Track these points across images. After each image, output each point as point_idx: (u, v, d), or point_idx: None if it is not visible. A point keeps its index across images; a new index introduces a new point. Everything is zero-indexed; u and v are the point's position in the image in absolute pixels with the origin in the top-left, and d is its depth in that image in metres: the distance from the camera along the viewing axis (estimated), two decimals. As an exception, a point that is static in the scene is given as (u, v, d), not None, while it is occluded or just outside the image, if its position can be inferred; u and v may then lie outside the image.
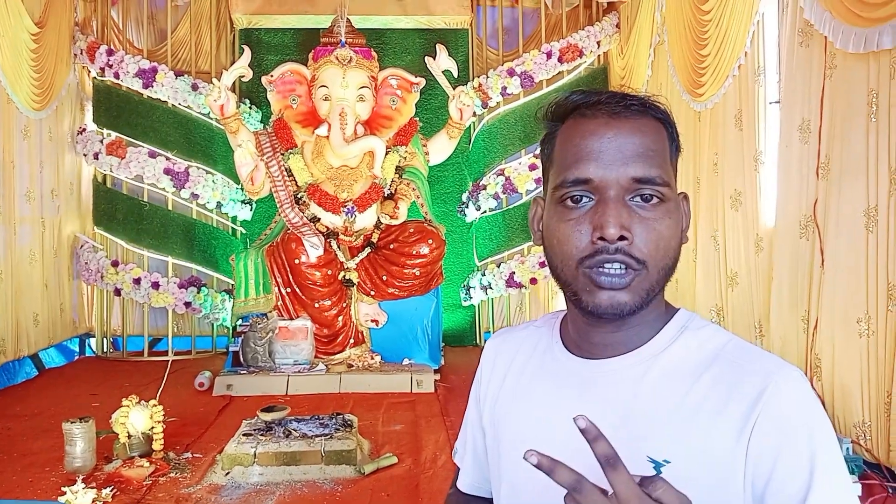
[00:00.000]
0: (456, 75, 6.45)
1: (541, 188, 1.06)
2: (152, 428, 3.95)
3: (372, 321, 6.17)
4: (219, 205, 6.99)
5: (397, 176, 6.37)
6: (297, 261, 5.92)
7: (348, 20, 6.38)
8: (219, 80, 6.04)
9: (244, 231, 7.31)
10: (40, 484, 3.64)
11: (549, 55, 7.03)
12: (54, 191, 6.78)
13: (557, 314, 1.07)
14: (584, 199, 0.89)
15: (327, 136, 6.13)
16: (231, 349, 6.01)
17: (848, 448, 3.55)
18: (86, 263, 6.96)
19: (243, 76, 6.25)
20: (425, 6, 7.25)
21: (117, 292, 6.90)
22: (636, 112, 0.91)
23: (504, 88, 7.06)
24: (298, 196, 6.21)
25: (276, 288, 6.00)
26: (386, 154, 6.26)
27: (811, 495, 0.81)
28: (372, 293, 6.16)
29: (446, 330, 6.94)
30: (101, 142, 6.87)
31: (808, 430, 0.84)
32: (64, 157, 6.99)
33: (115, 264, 6.86)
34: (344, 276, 6.08)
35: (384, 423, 4.77)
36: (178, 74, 6.82)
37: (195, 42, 7.26)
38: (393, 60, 7.01)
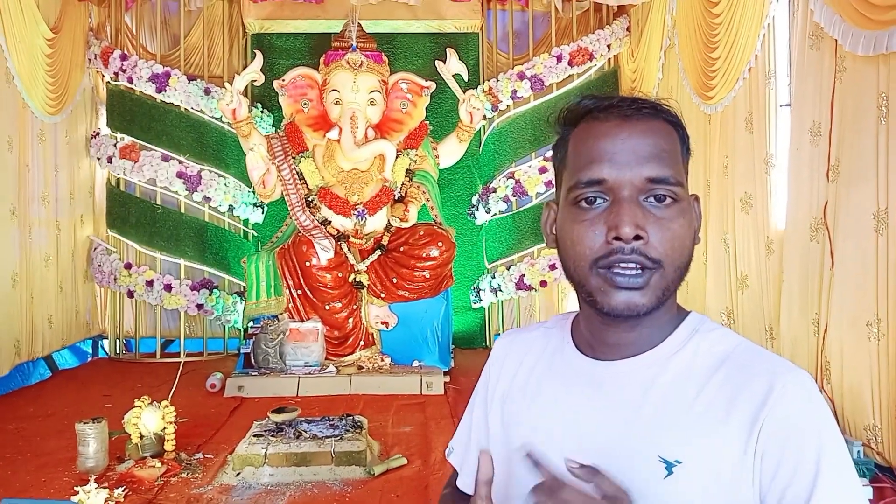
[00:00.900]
0: (466, 79, 6.45)
1: (550, 191, 1.07)
2: (164, 429, 3.98)
3: (382, 323, 6.18)
4: (231, 208, 7.03)
5: (407, 179, 6.38)
6: (307, 263, 5.95)
7: (359, 24, 6.40)
8: (231, 85, 6.07)
9: (255, 234, 7.35)
10: (53, 483, 3.68)
11: (559, 59, 7.03)
12: (72, 194, 6.85)
13: (569, 315, 1.07)
14: (599, 200, 0.90)
15: (338, 140, 6.17)
16: (242, 351, 6.04)
17: (859, 451, 3.53)
18: (99, 266, 7.03)
19: (255, 80, 6.27)
20: (436, 10, 7.27)
21: (130, 294, 6.96)
22: (648, 114, 0.92)
23: (514, 92, 7.07)
24: (309, 199, 6.24)
25: (287, 290, 6.03)
26: (396, 157, 6.29)
27: (816, 496, 0.81)
28: (382, 295, 6.18)
29: (456, 332, 6.93)
30: (115, 146, 6.94)
31: (815, 431, 0.85)
32: (78, 160, 7.06)
33: (128, 267, 6.93)
34: (354, 278, 6.11)
35: (394, 424, 4.78)
36: (190, 79, 6.88)
37: (208, 47, 7.33)
38: (403, 64, 7.03)
